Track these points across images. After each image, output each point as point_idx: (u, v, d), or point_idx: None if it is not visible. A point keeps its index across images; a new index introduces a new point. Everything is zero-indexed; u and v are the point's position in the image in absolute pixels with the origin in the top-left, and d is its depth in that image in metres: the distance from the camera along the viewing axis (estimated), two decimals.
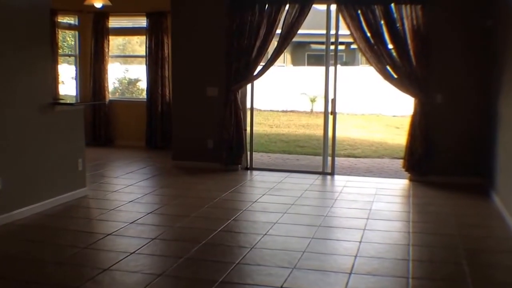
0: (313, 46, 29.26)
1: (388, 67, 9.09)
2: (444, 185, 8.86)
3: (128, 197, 8.00)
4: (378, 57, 9.07)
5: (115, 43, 14.18)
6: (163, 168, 10.30)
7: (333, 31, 9.61)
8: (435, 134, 9.13)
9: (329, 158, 9.94)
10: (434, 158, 9.14)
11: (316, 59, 28.76)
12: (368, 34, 9.05)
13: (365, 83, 21.95)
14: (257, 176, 9.77)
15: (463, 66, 9.04)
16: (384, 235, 6.37)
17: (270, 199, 8.00)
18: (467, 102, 9.09)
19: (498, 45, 8.38)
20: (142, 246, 5.84)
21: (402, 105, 20.74)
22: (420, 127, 9.09)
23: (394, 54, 9.04)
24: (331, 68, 9.70)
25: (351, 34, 9.17)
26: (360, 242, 6.03)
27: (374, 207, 7.56)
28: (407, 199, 8.16)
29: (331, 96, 9.71)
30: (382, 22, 9.03)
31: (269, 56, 9.75)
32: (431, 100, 9.08)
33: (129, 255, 5.57)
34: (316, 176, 9.75)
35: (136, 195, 8.16)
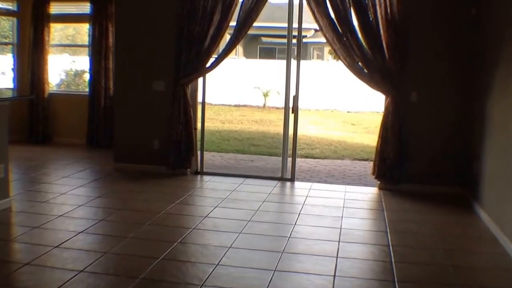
0: (265, 39, 28.45)
1: (358, 61, 8.08)
2: (419, 196, 7.90)
3: (59, 210, 6.79)
4: (347, 49, 8.05)
5: (64, 33, 13.13)
6: (103, 172, 9.10)
7: (295, 25, 8.61)
8: (409, 137, 8.15)
9: (289, 160, 8.92)
10: (407, 165, 8.16)
11: (267, 53, 28.02)
12: (336, 23, 8.04)
13: (319, 78, 21.26)
14: (208, 182, 8.65)
15: (443, 60, 8.06)
16: (362, 265, 5.29)
17: (223, 213, 6.88)
18: (446, 102, 8.10)
19: (485, 37, 7.42)
20: (64, 283, 4.62)
21: (357, 101, 20.42)
22: (393, 129, 8.10)
23: (365, 45, 8.03)
24: (293, 62, 8.71)
25: (317, 22, 8.18)
26: (334, 276, 4.92)
27: (345, 225, 6.49)
28: (381, 214, 7.07)
29: (292, 93, 8.71)
30: (352, 9, 8.01)
31: (221, 49, 8.70)
32: (405, 99, 8.10)
33: None
34: (274, 182, 8.67)
35: (68, 207, 6.94)
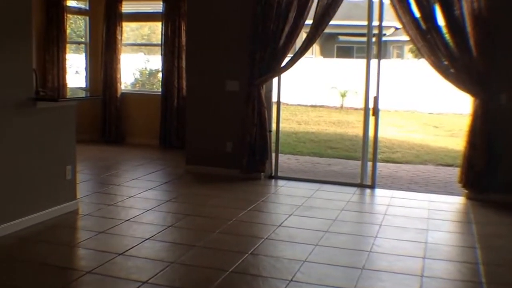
0: (342, 38, 27.91)
1: (443, 59, 7.54)
2: (509, 206, 7.28)
3: (126, 214, 6.57)
4: (431, 47, 7.52)
5: (139, 32, 13.12)
6: (174, 174, 8.87)
7: (375, 23, 8.16)
8: (499, 142, 7.50)
9: (368, 164, 8.43)
10: (498, 173, 7.53)
11: (345, 51, 27.44)
12: (420, 19, 7.53)
13: (398, 77, 20.50)
14: (283, 187, 8.25)
15: None
16: (449, 286, 4.77)
17: (298, 223, 6.46)
18: None
19: None
20: None
21: (439, 102, 19.57)
22: (482, 134, 7.49)
23: (451, 43, 7.47)
24: (372, 61, 8.25)
25: (399, 20, 7.66)
26: None
27: (430, 239, 5.96)
28: (469, 227, 6.50)
29: (371, 93, 8.24)
30: (436, 5, 7.48)
31: (297, 47, 8.30)
32: (494, 101, 7.48)
33: None
34: (353, 189, 8.18)
35: (136, 211, 6.71)
